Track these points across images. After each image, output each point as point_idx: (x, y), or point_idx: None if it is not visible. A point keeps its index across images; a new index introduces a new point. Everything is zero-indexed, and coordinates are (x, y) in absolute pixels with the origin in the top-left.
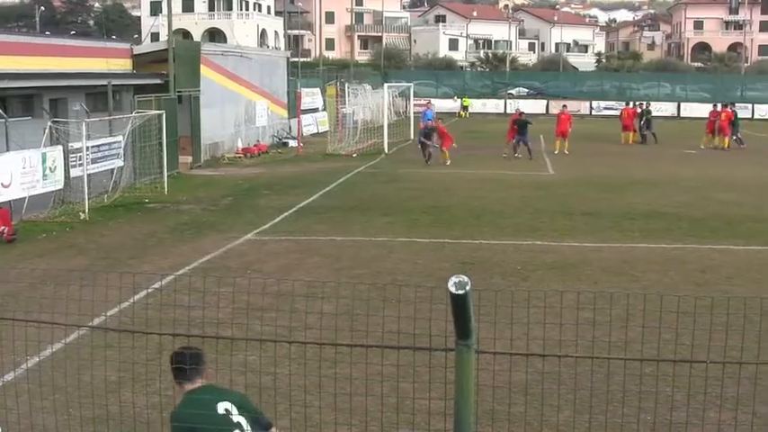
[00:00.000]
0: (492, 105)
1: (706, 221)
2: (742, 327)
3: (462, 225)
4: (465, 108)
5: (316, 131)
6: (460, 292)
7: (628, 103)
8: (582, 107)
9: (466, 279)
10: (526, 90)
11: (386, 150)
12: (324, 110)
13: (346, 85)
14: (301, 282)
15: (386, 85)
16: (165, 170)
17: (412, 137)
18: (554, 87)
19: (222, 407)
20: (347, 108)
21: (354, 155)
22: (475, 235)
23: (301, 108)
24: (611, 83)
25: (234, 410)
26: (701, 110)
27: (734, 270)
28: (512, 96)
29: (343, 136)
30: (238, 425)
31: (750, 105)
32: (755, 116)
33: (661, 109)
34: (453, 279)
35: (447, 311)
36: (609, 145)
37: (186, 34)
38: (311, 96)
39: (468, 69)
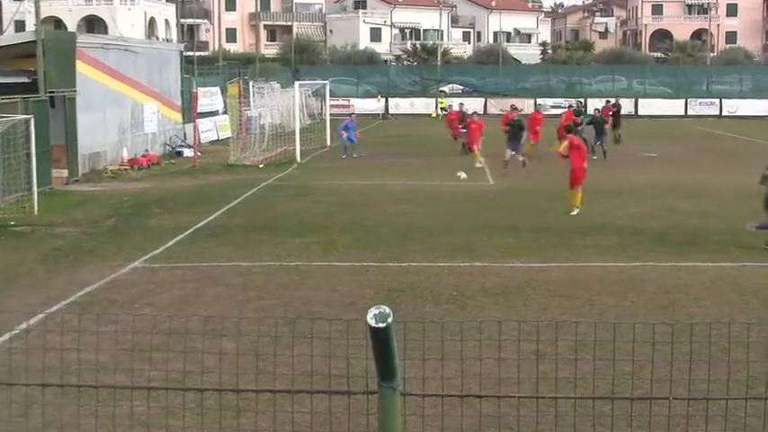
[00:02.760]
0: (421, 105)
1: (668, 235)
2: (709, 356)
3: (388, 245)
4: (443, 109)
5: (215, 138)
6: (381, 324)
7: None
8: (526, 105)
9: (387, 310)
10: (461, 87)
11: (298, 159)
12: (225, 113)
13: (251, 84)
14: (199, 317)
15: (297, 83)
16: (35, 186)
17: (328, 143)
18: (493, 83)
19: None
20: (252, 110)
21: (261, 165)
22: (403, 257)
23: (198, 111)
24: (558, 77)
25: None
26: (663, 107)
27: (702, 290)
28: (444, 94)
29: (248, 143)
30: None
31: (717, 101)
32: (723, 113)
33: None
34: (373, 310)
35: (369, 348)
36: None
37: (58, 23)
38: (210, 97)
39: (394, 63)
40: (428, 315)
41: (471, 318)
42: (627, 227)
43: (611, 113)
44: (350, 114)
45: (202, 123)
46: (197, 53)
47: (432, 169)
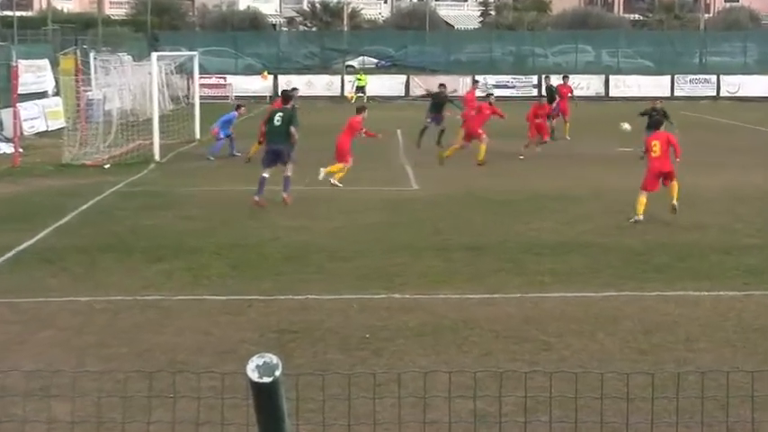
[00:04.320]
0: (322, 85)
1: (650, 255)
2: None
3: (277, 272)
4: (361, 89)
5: (44, 129)
6: (266, 379)
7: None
8: (460, 85)
9: (274, 360)
10: (375, 60)
11: (157, 158)
12: (56, 94)
13: (92, 56)
14: (21, 371)
15: (155, 54)
16: None
17: (198, 136)
18: (417, 55)
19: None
20: (94, 92)
21: (107, 165)
22: (298, 287)
23: (19, 92)
24: (504, 47)
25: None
26: (642, 86)
27: (695, 329)
28: (353, 70)
29: (89, 136)
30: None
31: (713, 77)
32: (722, 93)
33: (580, 85)
34: (255, 360)
35: (249, 410)
36: (501, 143)
37: None
38: (35, 73)
39: (285, 29)
40: (332, 365)
41: (389, 368)
42: (596, 244)
43: (571, 96)
44: (237, 106)
45: (25, 109)
46: (17, 13)
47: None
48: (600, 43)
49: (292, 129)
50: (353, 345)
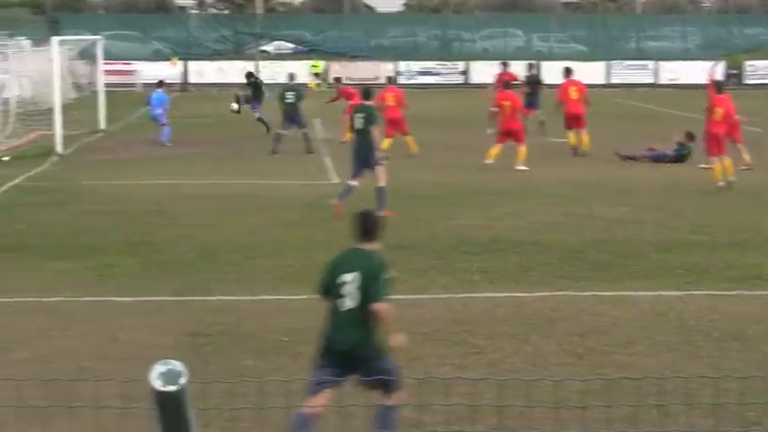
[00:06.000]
0: (235, 71)
1: (587, 253)
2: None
3: (189, 271)
4: (317, 76)
5: None
6: (171, 387)
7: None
8: (381, 72)
9: (179, 366)
10: (291, 45)
11: (59, 149)
12: None
13: None
14: None
15: (56, 39)
16: None
17: (103, 125)
18: (335, 40)
19: (348, 276)
20: None
21: (5, 157)
22: (211, 287)
23: None
24: (428, 31)
25: (353, 284)
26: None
27: (634, 331)
28: (267, 55)
29: None
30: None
31: (651, 63)
32: (660, 80)
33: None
34: (159, 367)
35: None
36: (427, 132)
37: None
38: None
39: (195, 12)
40: (246, 371)
41: (307, 374)
42: (529, 242)
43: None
44: (159, 83)
45: None
46: None
47: (251, 163)
48: (531, 27)
49: (374, 129)
50: (270, 349)
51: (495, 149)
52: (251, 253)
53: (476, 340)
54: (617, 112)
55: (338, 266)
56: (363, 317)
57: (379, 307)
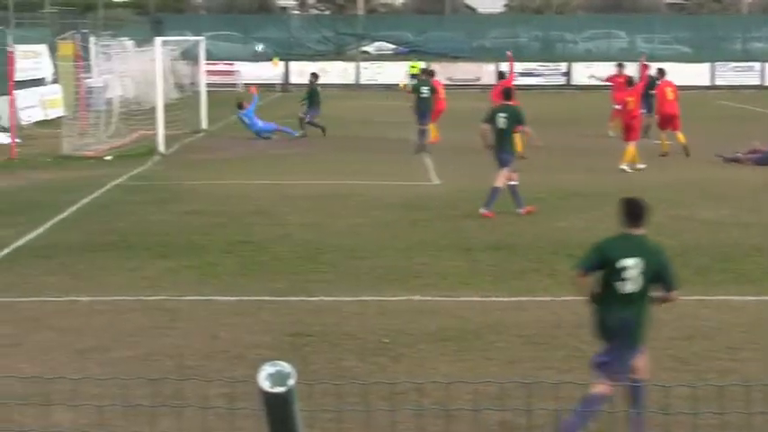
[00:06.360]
0: (337, 72)
1: (689, 256)
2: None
3: (290, 272)
4: (414, 77)
5: (42, 118)
6: (280, 389)
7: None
8: (483, 73)
9: (288, 368)
10: (392, 46)
11: (161, 149)
12: (55, 82)
13: (92, 41)
14: (15, 378)
15: (159, 39)
16: None
17: (204, 126)
18: (437, 41)
19: (629, 261)
20: (94, 79)
21: (108, 157)
22: (312, 288)
23: (15, 79)
24: (530, 32)
25: (636, 269)
26: (680, 74)
27: (739, 336)
28: (368, 56)
29: (89, 126)
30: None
31: (757, 65)
32: (767, 82)
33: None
34: (267, 368)
35: (262, 421)
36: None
37: None
38: (32, 59)
39: (297, 12)
40: (347, 372)
41: (409, 376)
42: None
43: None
44: (251, 87)
45: (22, 97)
46: None
47: (354, 165)
48: (634, 28)
49: (526, 128)
50: (371, 350)
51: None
52: (352, 253)
53: (578, 344)
54: (721, 114)
55: (614, 250)
56: (642, 300)
57: (676, 294)
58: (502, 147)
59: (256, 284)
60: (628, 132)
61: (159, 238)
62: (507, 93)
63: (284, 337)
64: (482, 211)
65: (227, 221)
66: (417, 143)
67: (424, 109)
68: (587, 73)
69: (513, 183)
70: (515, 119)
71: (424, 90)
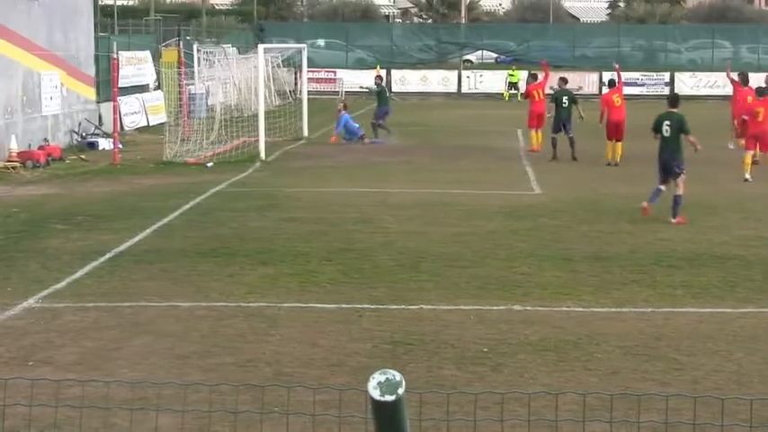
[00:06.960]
0: (437, 80)
1: None
2: None
3: (391, 280)
4: (514, 86)
5: (144, 124)
6: (390, 397)
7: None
8: (586, 81)
9: (398, 377)
10: (494, 54)
11: (263, 156)
12: (158, 88)
13: (195, 47)
14: (120, 382)
15: (261, 46)
16: None
17: (306, 133)
18: (539, 50)
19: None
20: (197, 86)
21: (210, 164)
22: (412, 296)
23: (120, 85)
24: (633, 42)
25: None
26: None
27: None
28: (470, 65)
29: (191, 132)
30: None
31: None
32: None
33: (717, 83)
34: (377, 377)
35: (367, 428)
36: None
37: None
38: (136, 65)
39: (399, 21)
40: (447, 381)
41: (510, 386)
42: (733, 257)
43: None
44: (341, 104)
45: (126, 103)
46: (118, 1)
47: (455, 173)
48: (739, 38)
49: (690, 137)
50: (470, 359)
51: (749, 158)
52: (452, 262)
53: (678, 356)
54: None
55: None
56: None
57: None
58: (672, 155)
59: (356, 292)
60: (755, 142)
61: (259, 244)
62: (674, 99)
63: (383, 345)
64: (672, 220)
65: (328, 229)
66: (553, 152)
67: (565, 118)
68: (691, 83)
69: (661, 187)
70: (679, 126)
71: (564, 100)
